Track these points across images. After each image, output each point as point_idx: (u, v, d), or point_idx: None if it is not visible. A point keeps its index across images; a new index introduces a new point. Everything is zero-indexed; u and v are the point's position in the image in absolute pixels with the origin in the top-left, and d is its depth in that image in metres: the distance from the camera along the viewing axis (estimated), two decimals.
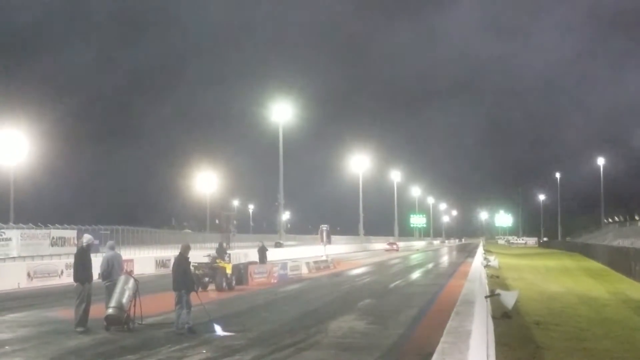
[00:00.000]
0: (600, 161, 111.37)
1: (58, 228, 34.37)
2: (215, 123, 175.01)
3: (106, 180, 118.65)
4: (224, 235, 52.48)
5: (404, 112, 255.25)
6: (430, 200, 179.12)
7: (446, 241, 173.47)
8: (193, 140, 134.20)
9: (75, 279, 15.47)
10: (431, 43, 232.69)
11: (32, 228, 33.05)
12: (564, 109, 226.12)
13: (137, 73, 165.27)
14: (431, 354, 6.28)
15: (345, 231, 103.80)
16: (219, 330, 14.62)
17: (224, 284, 25.75)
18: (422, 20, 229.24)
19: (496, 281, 29.17)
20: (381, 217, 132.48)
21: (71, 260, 19.00)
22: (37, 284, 27.39)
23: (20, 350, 12.96)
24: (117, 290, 15.18)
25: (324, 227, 53.70)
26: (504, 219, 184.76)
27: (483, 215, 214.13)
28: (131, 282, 15.42)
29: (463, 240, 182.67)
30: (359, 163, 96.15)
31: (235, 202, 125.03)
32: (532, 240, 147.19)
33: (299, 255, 51.43)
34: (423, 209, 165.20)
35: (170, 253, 37.53)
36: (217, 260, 26.54)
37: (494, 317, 16.11)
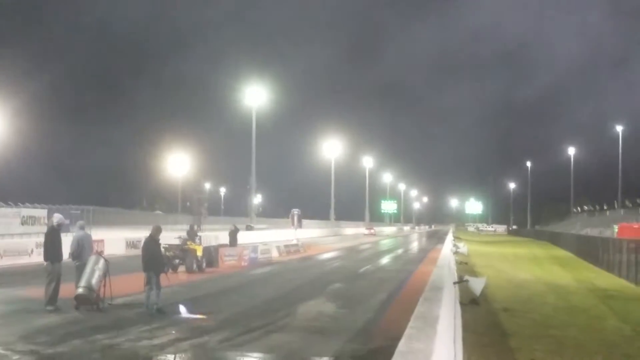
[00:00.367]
0: (571, 151, 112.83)
1: (28, 207, 34.02)
2: (188, 104, 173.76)
3: (77, 160, 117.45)
4: (195, 217, 52.34)
5: (377, 99, 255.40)
6: (402, 186, 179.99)
7: (416, 227, 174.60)
8: (166, 122, 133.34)
9: (46, 258, 15.41)
10: (409, 24, 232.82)
11: (2, 206, 32.67)
12: (538, 99, 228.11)
13: (111, 51, 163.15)
14: (399, 338, 6.37)
15: (317, 216, 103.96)
16: (184, 312, 14.63)
17: (195, 266, 25.75)
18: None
19: (465, 268, 29.48)
20: (352, 202, 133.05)
21: (41, 239, 18.81)
22: (6, 262, 27.11)
23: None
24: (87, 270, 15.13)
25: (295, 211, 53.81)
26: (474, 206, 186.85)
27: (453, 202, 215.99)
28: (101, 263, 15.37)
29: (433, 226, 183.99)
30: (331, 148, 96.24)
31: (207, 185, 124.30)
32: (501, 228, 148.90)
33: (270, 239, 51.45)
34: (394, 195, 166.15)
35: (141, 234, 37.22)
36: (188, 242, 26.50)
37: (462, 303, 16.32)
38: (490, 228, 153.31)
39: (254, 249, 34.16)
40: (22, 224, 32.54)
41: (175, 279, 17.56)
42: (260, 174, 71.83)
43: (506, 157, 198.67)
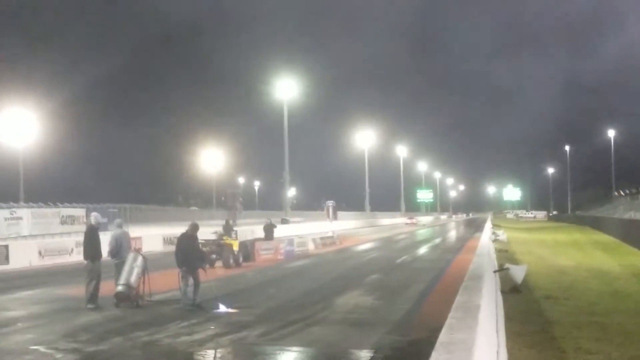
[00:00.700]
0: (611, 133, 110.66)
1: (67, 207, 34.52)
2: (221, 99, 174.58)
3: (113, 159, 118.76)
4: (230, 212, 52.45)
5: (410, 87, 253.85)
6: (437, 175, 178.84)
7: (453, 216, 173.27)
8: (199, 117, 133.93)
9: (85, 256, 15.57)
10: (440, 15, 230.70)
11: (42, 207, 33.22)
12: (572, 81, 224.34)
13: (144, 50, 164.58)
14: (439, 329, 6.23)
15: (351, 207, 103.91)
16: (222, 307, 14.64)
17: (231, 261, 25.83)
18: None
19: (505, 255, 29.10)
20: (387, 192, 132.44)
21: (81, 238, 19.10)
22: (47, 262, 27.56)
23: (32, 327, 13.09)
24: (126, 267, 15.25)
25: (330, 203, 53.63)
26: (512, 193, 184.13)
27: (491, 189, 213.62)
28: (140, 260, 15.45)
29: (470, 215, 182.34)
30: (364, 138, 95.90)
31: (241, 179, 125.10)
32: (541, 214, 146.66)
33: (305, 232, 51.50)
34: (430, 184, 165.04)
35: (178, 230, 37.40)
36: (224, 237, 26.59)
37: (502, 292, 16.08)
38: (529, 214, 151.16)
39: (290, 242, 34.17)
40: (62, 223, 33.03)
41: (213, 274, 17.60)
42: (294, 167, 71.94)
43: (544, 141, 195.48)
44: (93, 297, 15.05)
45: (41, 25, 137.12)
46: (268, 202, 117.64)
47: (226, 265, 25.33)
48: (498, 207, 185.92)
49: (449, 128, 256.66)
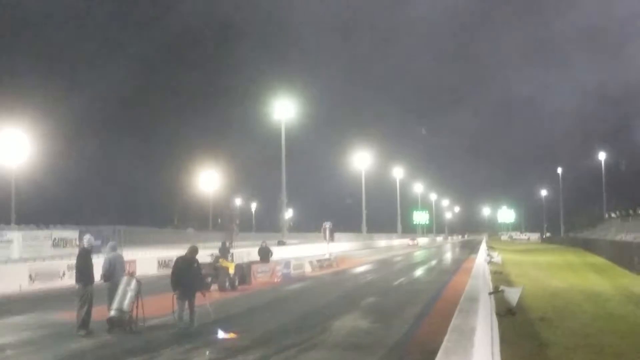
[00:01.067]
0: (602, 155, 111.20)
1: (59, 229, 34.20)
2: (217, 120, 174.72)
3: (107, 180, 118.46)
4: (226, 234, 52.33)
5: (407, 110, 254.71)
6: (433, 196, 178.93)
7: (449, 237, 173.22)
8: (195, 138, 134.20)
9: (77, 280, 15.34)
10: (434, 42, 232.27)
11: (34, 229, 32.91)
12: (566, 104, 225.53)
13: (139, 69, 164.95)
14: (435, 352, 6.22)
15: (348, 228, 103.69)
16: (219, 332, 14.54)
17: (227, 284, 25.71)
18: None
19: (500, 277, 29.09)
20: (384, 213, 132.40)
21: (73, 261, 18.86)
22: (38, 286, 27.23)
23: (22, 354, 12.90)
24: (120, 291, 15.10)
25: (327, 224, 53.48)
26: (506, 214, 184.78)
27: (486, 211, 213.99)
28: (133, 283, 15.33)
29: (466, 236, 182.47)
30: (361, 160, 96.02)
31: (238, 201, 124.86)
32: (534, 236, 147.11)
33: (302, 254, 51.33)
34: (426, 206, 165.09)
35: (173, 253, 37.41)
36: (220, 260, 26.48)
37: (498, 314, 16.05)
38: (523, 236, 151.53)
39: (287, 264, 34.08)
40: (54, 246, 32.67)
41: (209, 297, 17.53)
42: (291, 188, 71.85)
43: (537, 163, 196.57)
44: (85, 322, 14.78)
45: (37, 44, 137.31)
46: (265, 224, 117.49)
47: (222, 289, 25.22)
48: (493, 229, 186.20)
49: (445, 149, 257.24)
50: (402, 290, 26.24)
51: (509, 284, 24.65)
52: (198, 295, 15.47)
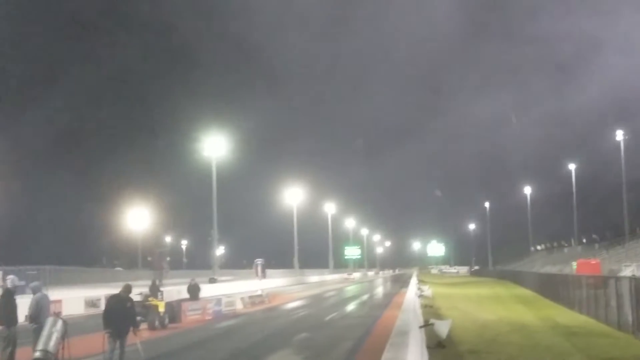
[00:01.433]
0: (527, 190, 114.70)
1: None
2: (147, 157, 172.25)
3: (32, 218, 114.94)
4: (156, 272, 51.49)
5: (339, 148, 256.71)
6: (365, 231, 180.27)
7: (380, 272, 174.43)
8: (124, 176, 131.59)
9: (0, 322, 14.90)
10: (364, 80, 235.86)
11: None
12: (495, 140, 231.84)
13: (66, 105, 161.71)
14: None
15: (281, 265, 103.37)
16: None
17: (157, 322, 25.26)
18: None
19: (430, 311, 29.46)
20: (316, 249, 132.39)
21: None
22: None
23: None
24: (45, 332, 14.64)
25: (259, 261, 53.25)
26: (436, 248, 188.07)
27: (416, 245, 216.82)
28: (59, 324, 14.89)
29: (397, 270, 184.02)
30: (293, 196, 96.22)
31: (168, 238, 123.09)
32: (463, 269, 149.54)
33: (234, 291, 50.85)
34: (357, 241, 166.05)
35: (101, 292, 36.65)
36: (150, 298, 26.04)
37: (428, 347, 16.25)
38: (452, 270, 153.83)
39: (218, 301, 33.68)
40: None
41: (138, 336, 17.16)
42: (222, 225, 71.35)
43: (464, 198, 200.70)
44: None
45: None
46: (196, 262, 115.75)
47: (151, 327, 24.74)
48: (423, 263, 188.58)
49: (375, 185, 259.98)
50: (334, 325, 26.27)
51: (439, 317, 25.00)
52: (130, 334, 15.17)
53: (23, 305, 15.60)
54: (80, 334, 18.77)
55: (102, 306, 19.69)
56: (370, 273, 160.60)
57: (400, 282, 77.21)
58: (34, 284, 16.99)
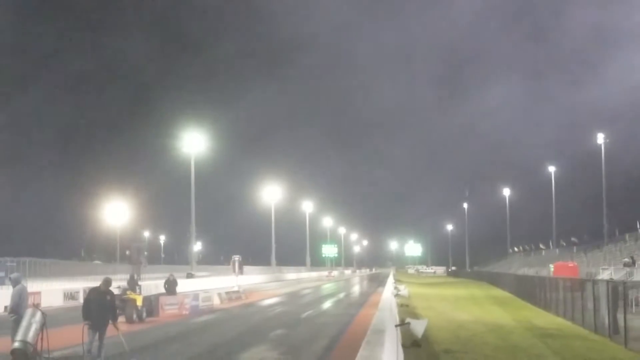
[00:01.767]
0: (506, 191, 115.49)
1: None
2: (125, 152, 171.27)
3: (12, 211, 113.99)
4: (134, 266, 51.43)
5: (317, 145, 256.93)
6: (342, 230, 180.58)
7: (357, 271, 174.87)
8: (103, 171, 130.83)
9: None
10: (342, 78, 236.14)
11: None
12: (471, 139, 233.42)
13: (46, 99, 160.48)
14: None
15: (258, 261, 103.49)
16: None
17: (135, 316, 25.35)
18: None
19: (406, 310, 29.71)
20: (293, 247, 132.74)
21: None
22: None
23: None
24: (24, 324, 14.72)
25: (236, 257, 53.32)
26: (413, 248, 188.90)
27: (393, 245, 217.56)
28: (38, 315, 14.97)
29: (374, 269, 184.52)
30: (271, 194, 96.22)
31: (146, 233, 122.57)
32: (440, 270, 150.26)
33: (211, 286, 50.90)
34: (335, 239, 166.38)
35: (79, 285, 36.60)
36: (128, 292, 26.11)
37: (404, 346, 16.47)
38: (429, 270, 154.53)
39: (195, 296, 33.75)
40: None
41: (115, 329, 17.28)
42: (200, 221, 71.31)
43: (443, 198, 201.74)
44: None
45: None
46: (174, 257, 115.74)
47: (129, 321, 24.82)
48: (400, 262, 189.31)
49: (353, 183, 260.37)
50: (310, 322, 26.44)
51: (416, 316, 25.26)
52: (109, 327, 15.28)
53: (2, 296, 15.61)
54: (59, 326, 18.81)
55: (81, 299, 19.75)
56: (347, 272, 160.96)
57: (377, 281, 77.55)
58: (15, 275, 17.04)
